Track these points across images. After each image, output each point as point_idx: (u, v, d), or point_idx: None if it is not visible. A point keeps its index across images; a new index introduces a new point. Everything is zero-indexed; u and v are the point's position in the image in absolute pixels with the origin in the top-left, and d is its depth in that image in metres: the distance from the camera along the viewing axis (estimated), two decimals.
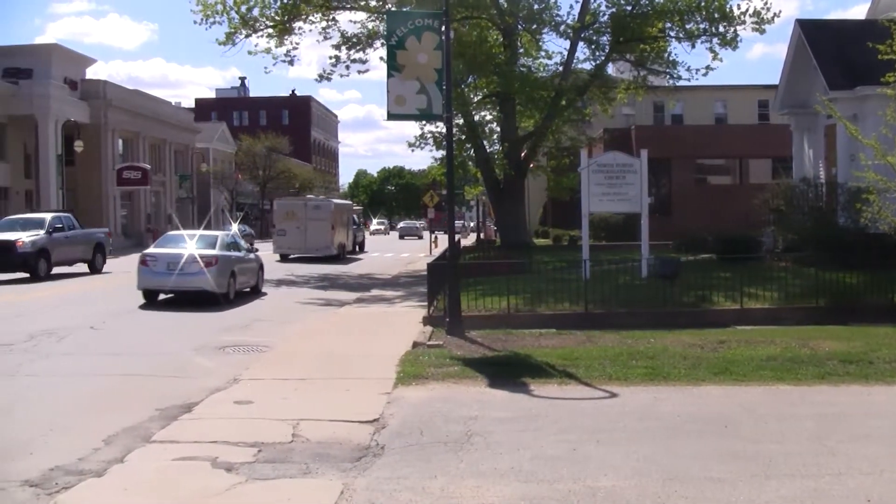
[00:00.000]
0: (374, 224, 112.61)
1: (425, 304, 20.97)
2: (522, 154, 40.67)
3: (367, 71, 41.80)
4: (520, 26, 39.58)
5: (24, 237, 32.43)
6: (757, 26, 37.60)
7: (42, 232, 33.49)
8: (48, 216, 35.72)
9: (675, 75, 40.34)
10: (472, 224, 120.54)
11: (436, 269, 20.68)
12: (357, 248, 59.08)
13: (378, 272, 40.21)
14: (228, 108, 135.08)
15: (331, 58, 38.80)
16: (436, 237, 64.08)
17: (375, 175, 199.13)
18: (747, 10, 37.71)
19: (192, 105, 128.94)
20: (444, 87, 17.29)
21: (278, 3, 37.44)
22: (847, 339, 15.97)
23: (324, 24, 38.91)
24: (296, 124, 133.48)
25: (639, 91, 43.18)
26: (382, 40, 37.53)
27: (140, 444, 9.59)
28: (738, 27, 37.82)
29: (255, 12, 37.33)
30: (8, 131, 59.97)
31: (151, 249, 26.08)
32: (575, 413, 10.76)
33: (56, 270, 34.38)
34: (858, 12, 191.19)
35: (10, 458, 9.00)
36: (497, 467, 8.50)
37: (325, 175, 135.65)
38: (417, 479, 8.15)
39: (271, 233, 66.30)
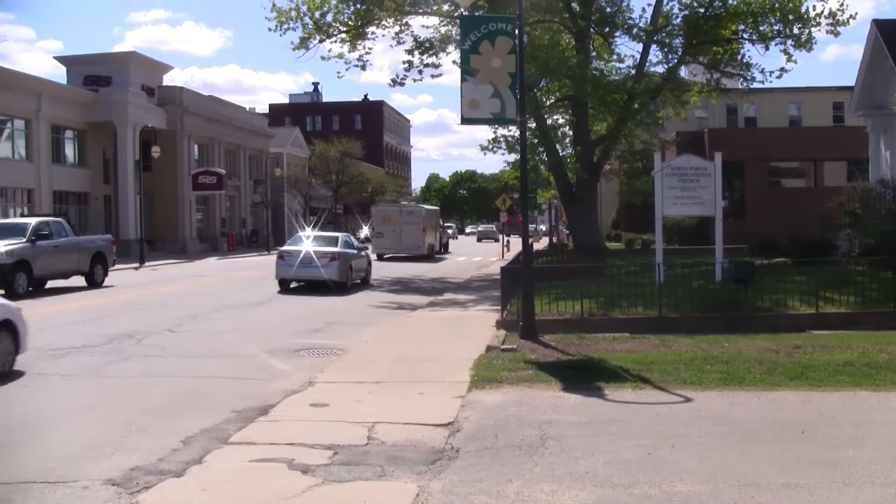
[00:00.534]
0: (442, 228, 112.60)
1: (498, 307, 20.97)
2: (595, 157, 40.42)
3: (439, 75, 42.41)
4: (592, 30, 39.35)
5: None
6: (832, 28, 36.94)
7: (23, 240, 28.68)
8: (32, 221, 30.68)
9: (748, 77, 39.76)
10: (544, 228, 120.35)
11: (509, 272, 20.67)
12: (442, 249, 66.05)
13: (450, 276, 40.29)
14: (302, 113, 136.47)
15: (404, 62, 38.99)
16: (508, 241, 64.06)
17: (447, 179, 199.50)
18: (822, 11, 37.07)
19: (266, 110, 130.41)
20: (518, 91, 17.29)
21: (352, 9, 37.77)
22: None
23: (396, 28, 39.14)
24: (368, 129, 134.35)
25: (712, 94, 42.66)
26: (455, 45, 37.68)
27: (217, 445, 9.74)
28: (812, 28, 37.19)
29: (329, 18, 37.72)
30: (88, 137, 61.29)
31: (286, 247, 32.55)
32: (649, 417, 10.69)
33: (50, 284, 31.54)
34: None
35: (92, 457, 9.21)
36: (572, 471, 8.48)
37: (397, 179, 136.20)
38: (492, 483, 8.17)
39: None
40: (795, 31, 37.33)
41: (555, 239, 71.26)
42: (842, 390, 12.19)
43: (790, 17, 37.06)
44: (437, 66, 39.53)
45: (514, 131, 39.63)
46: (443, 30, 39.58)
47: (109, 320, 21.72)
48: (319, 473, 8.54)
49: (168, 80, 70.09)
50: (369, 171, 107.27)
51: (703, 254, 34.39)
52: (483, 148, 42.74)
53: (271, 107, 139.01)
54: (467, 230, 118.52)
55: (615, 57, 42.13)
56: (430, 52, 39.10)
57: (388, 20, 38.64)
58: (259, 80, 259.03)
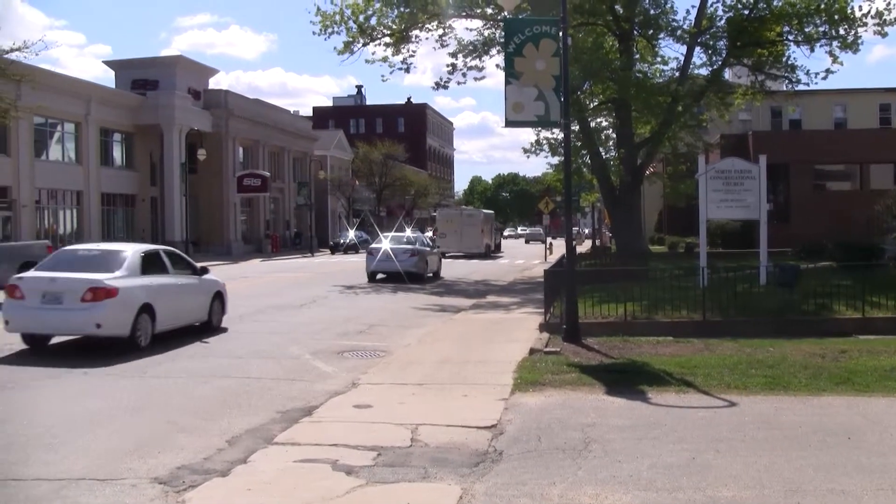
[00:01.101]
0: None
1: (541, 310, 20.95)
2: (638, 160, 40.17)
3: (483, 78, 42.49)
4: (636, 32, 39.13)
5: None
6: (879, 28, 36.45)
7: None
8: None
9: (793, 79, 39.30)
10: (587, 231, 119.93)
11: (552, 275, 20.63)
12: (496, 249, 74.18)
13: (493, 278, 40.27)
14: (345, 116, 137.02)
15: (447, 65, 39.06)
16: (550, 244, 63.97)
17: (490, 182, 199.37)
18: (869, 11, 36.58)
19: (310, 113, 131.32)
20: (562, 94, 17.24)
21: (395, 13, 37.87)
22: None
23: (440, 32, 39.17)
24: (411, 131, 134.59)
25: (756, 96, 42.26)
26: (499, 48, 37.62)
27: (262, 445, 9.80)
28: (858, 29, 36.71)
29: (373, 21, 37.84)
30: (135, 140, 62.00)
31: (374, 245, 39.46)
32: (693, 422, 10.61)
33: None
34: None
35: (140, 455, 9.31)
36: (616, 475, 8.44)
37: (439, 181, 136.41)
38: (536, 486, 8.15)
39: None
40: (841, 32, 36.89)
41: (598, 242, 70.94)
42: (889, 396, 12.02)
43: (836, 17, 36.62)
44: (480, 69, 39.59)
45: (557, 134, 39.51)
46: (486, 33, 39.57)
47: None
48: (363, 474, 8.56)
49: (214, 83, 70.77)
50: (412, 174, 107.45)
51: (748, 257, 34.10)
52: (526, 151, 42.58)
53: (315, 110, 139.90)
54: (506, 233, 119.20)
55: (659, 59, 41.89)
56: (474, 56, 39.10)
57: (432, 24, 38.70)
58: (303, 84, 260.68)
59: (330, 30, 37.64)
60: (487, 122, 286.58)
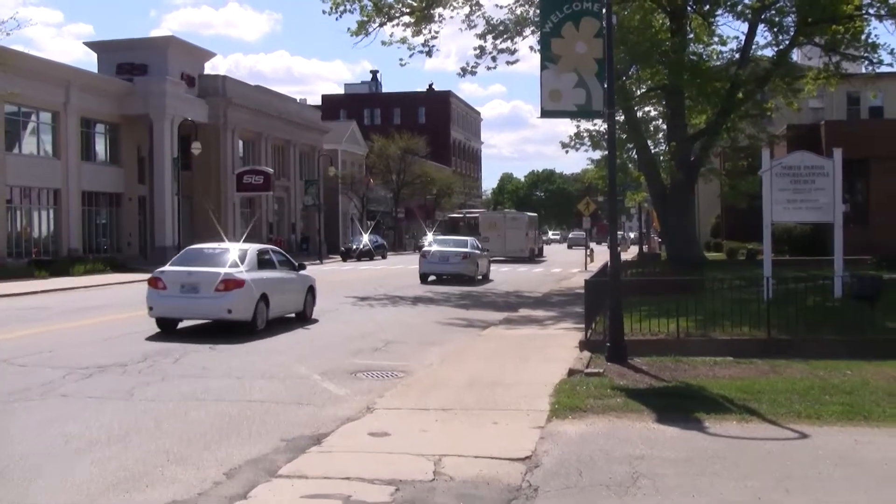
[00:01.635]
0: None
1: (581, 326, 20.85)
2: (692, 155, 40.04)
3: (515, 62, 42.19)
4: (690, 8, 38.98)
5: None
6: None
7: None
8: None
9: (874, 60, 38.87)
10: (632, 235, 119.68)
11: (594, 286, 20.54)
12: (539, 253, 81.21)
13: (526, 289, 40.21)
14: (359, 105, 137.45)
15: (475, 48, 38.95)
16: (591, 250, 63.84)
17: (522, 179, 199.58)
18: None
19: (319, 102, 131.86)
20: (606, 80, 17.16)
21: None
22: None
23: (466, 9, 39.18)
24: (433, 123, 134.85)
25: (830, 80, 41.84)
26: (533, 27, 37.56)
27: (265, 478, 9.78)
28: None
29: None
30: (121, 132, 62.31)
31: (428, 247, 46.30)
32: (758, 455, 10.51)
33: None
34: None
35: (125, 490, 9.31)
36: None
37: (465, 179, 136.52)
38: None
39: (407, 243, 68.06)
40: None
41: (645, 248, 70.83)
42: None
43: None
44: (512, 52, 39.46)
45: (600, 125, 39.45)
46: (519, 10, 39.51)
47: (139, 336, 22.00)
48: None
49: (210, 68, 71.25)
50: (434, 171, 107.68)
51: (819, 266, 33.88)
52: (564, 145, 42.52)
53: (325, 98, 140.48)
54: (570, 236, 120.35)
55: (716, 39, 41.64)
56: (505, 37, 39.02)
57: (458, 0, 38.70)
58: (311, 69, 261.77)
59: (342, 8, 37.72)
60: (520, 113, 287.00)
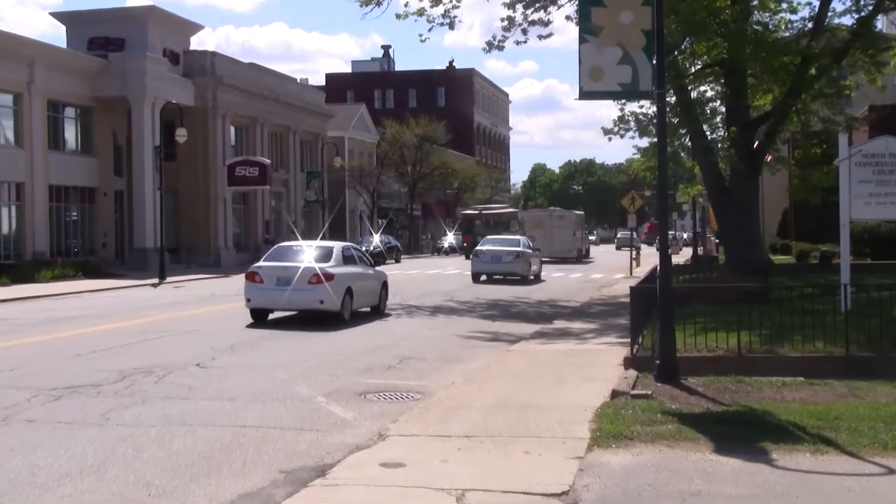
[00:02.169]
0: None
1: (626, 340, 20.79)
2: (756, 142, 39.91)
3: (549, 35, 41.63)
4: None
5: None
6: None
7: None
8: None
9: None
10: (685, 235, 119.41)
11: (641, 294, 20.48)
12: (586, 254, 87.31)
13: (562, 298, 40.19)
14: (369, 85, 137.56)
15: (502, 19, 38.86)
16: (637, 252, 63.74)
17: (557, 171, 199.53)
18: None
19: (323, 82, 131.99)
20: (655, 55, 17.12)
21: None
22: None
23: None
24: (455, 106, 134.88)
25: None
26: None
27: None
28: None
29: None
30: (95, 117, 62.41)
31: (480, 247, 52.04)
32: (837, 493, 10.46)
33: None
34: None
35: None
36: None
37: (491, 171, 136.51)
38: None
39: (424, 245, 68.45)
40: None
41: (700, 250, 70.56)
42: None
43: None
44: (545, 24, 39.38)
45: (648, 108, 39.43)
46: None
47: (116, 351, 22.08)
48: None
49: (197, 43, 71.74)
50: (455, 161, 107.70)
51: None
52: (606, 131, 42.42)
53: (329, 78, 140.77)
54: (618, 236, 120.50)
55: (785, 6, 41.41)
56: (538, 5, 38.93)
57: None
58: (313, 44, 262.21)
59: None
60: (554, 94, 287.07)
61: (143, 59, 61.79)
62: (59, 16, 67.51)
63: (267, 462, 11.96)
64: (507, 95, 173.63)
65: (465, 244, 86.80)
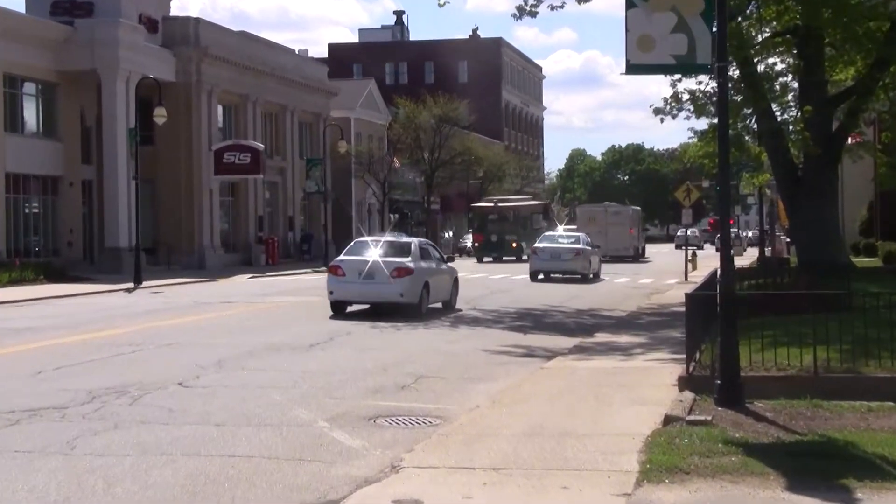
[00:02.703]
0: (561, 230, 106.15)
1: (681, 356, 20.74)
2: (835, 123, 39.80)
3: (589, 0, 41.14)
4: None
5: None
6: None
7: None
8: None
9: None
10: (749, 234, 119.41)
11: (699, 302, 20.43)
12: (643, 253, 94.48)
13: (605, 306, 40.18)
14: (379, 57, 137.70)
15: None
16: (693, 253, 63.69)
17: (599, 158, 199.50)
18: None
19: (326, 54, 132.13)
20: (716, 22, 17.08)
21: None
22: None
23: None
24: (479, 82, 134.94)
25: None
26: None
27: None
28: None
29: None
30: (59, 94, 62.56)
31: (539, 244, 59.05)
32: None
33: None
34: None
35: None
36: None
37: (522, 157, 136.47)
38: None
39: (444, 243, 68.86)
40: None
41: (768, 250, 70.55)
42: None
43: None
44: None
45: (706, 84, 39.26)
46: None
47: (84, 368, 22.12)
48: None
49: (178, 8, 72.43)
50: (480, 146, 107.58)
51: None
52: (657, 111, 42.30)
53: (332, 48, 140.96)
54: (678, 234, 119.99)
55: None
56: None
57: None
58: (314, 9, 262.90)
59: None
60: (595, 67, 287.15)
61: (115, 27, 61.84)
62: None
63: (261, 498, 11.98)
64: (540, 70, 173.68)
65: (475, 244, 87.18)
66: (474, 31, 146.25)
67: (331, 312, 34.49)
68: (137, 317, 34.59)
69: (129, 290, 46.96)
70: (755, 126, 41.91)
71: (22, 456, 14.13)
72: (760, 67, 42.17)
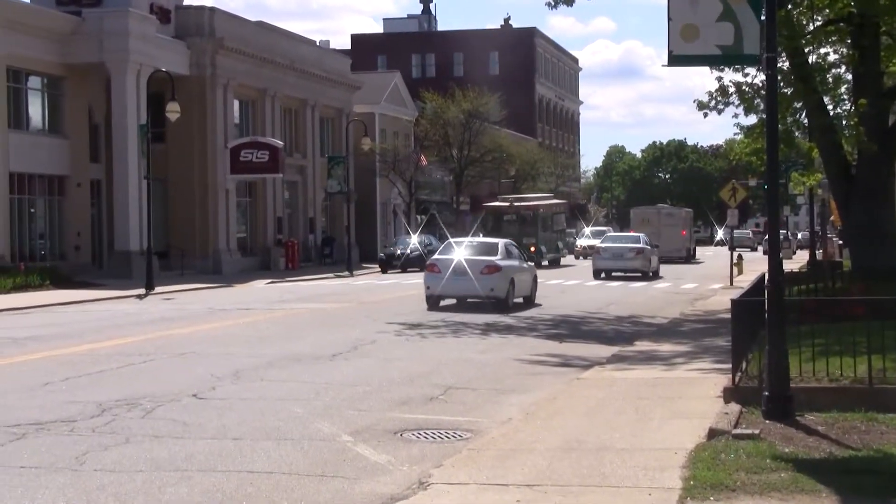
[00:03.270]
0: (586, 235, 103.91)
1: (726, 366, 20.73)
2: (892, 118, 39.65)
3: None
4: None
5: None
6: None
7: None
8: None
9: None
10: (799, 235, 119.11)
11: (746, 309, 20.39)
12: (693, 254, 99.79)
13: (645, 312, 40.17)
14: (405, 49, 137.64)
15: None
16: (739, 256, 63.60)
17: (639, 155, 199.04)
18: None
19: (349, 45, 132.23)
20: (764, 10, 17.05)
21: None
22: None
23: None
24: (511, 74, 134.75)
25: None
26: None
27: None
28: None
29: None
30: (66, 89, 62.59)
31: (602, 244, 68.11)
32: None
33: None
34: None
35: None
36: None
37: (557, 155, 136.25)
38: None
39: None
40: None
41: (819, 253, 70.36)
42: None
43: None
44: None
45: (754, 76, 39.18)
46: None
47: (93, 379, 22.21)
48: None
49: None
50: (512, 143, 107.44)
51: None
52: (702, 105, 42.15)
53: (356, 39, 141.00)
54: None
55: None
56: None
57: None
58: None
59: None
60: (635, 59, 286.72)
61: (125, 17, 61.73)
62: None
63: None
64: (576, 61, 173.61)
65: None
66: (506, 20, 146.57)
67: (352, 320, 35.01)
68: (149, 325, 34.65)
69: (140, 297, 47.06)
70: (806, 121, 41.83)
71: (28, 472, 14.20)
72: (812, 58, 42.04)
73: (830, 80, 43.26)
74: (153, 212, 56.26)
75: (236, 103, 72.94)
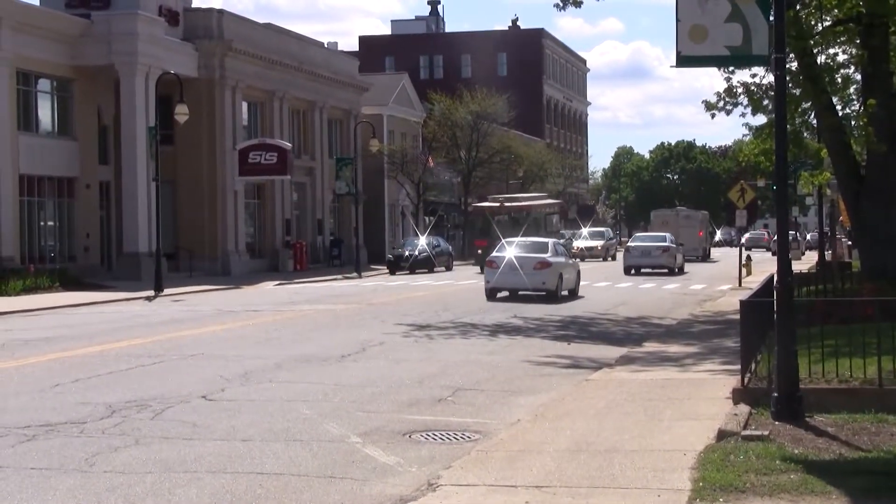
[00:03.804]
0: (584, 237, 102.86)
1: (736, 367, 20.70)
2: None
3: None
4: None
5: None
6: None
7: None
8: None
9: None
10: (808, 236, 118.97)
11: (755, 309, 20.36)
12: (709, 254, 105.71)
13: (654, 313, 40.10)
14: (413, 50, 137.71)
15: None
16: (748, 257, 63.55)
17: (647, 156, 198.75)
18: None
19: (356, 47, 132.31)
20: (772, 10, 17.03)
21: None
22: None
23: None
24: (519, 75, 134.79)
25: None
26: None
27: None
28: None
29: None
30: (75, 91, 62.61)
31: (631, 243, 78.31)
32: None
33: None
34: None
35: None
36: None
37: (565, 156, 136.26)
38: None
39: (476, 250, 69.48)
40: None
41: (828, 254, 70.23)
42: None
43: None
44: None
45: (763, 76, 39.13)
46: None
47: (103, 381, 22.21)
48: None
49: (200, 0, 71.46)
50: (520, 144, 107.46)
51: None
52: (710, 106, 42.07)
53: (364, 41, 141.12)
54: (746, 236, 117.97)
55: None
56: None
57: None
58: (344, 0, 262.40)
59: None
60: (643, 59, 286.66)
61: (133, 19, 61.74)
62: None
63: None
64: (584, 62, 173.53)
65: (478, 250, 78.34)
66: (514, 21, 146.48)
67: (360, 321, 35.38)
68: (158, 326, 34.68)
69: (149, 298, 47.10)
70: (815, 121, 41.78)
71: (38, 473, 14.21)
72: (821, 59, 41.97)
73: (839, 80, 43.18)
74: (162, 213, 56.33)
75: (244, 105, 72.93)
